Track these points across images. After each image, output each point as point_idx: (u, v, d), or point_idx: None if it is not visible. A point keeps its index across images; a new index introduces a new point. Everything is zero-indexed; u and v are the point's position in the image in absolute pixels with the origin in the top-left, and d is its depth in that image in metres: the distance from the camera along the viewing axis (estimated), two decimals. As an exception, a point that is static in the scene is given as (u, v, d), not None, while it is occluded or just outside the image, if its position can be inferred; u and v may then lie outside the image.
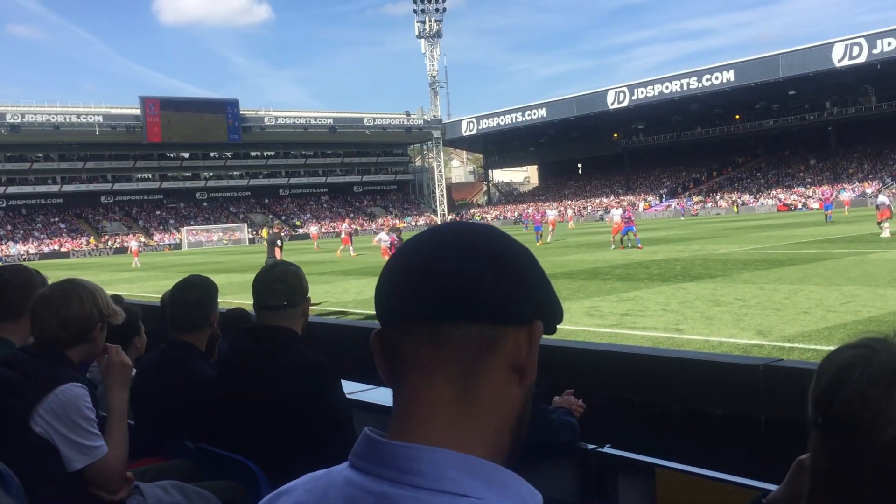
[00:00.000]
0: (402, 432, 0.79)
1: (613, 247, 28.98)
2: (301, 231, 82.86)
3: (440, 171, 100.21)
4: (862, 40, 63.14)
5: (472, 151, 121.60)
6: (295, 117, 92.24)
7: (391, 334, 0.82)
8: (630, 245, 28.34)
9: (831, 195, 48.04)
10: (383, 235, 29.93)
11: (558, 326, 0.88)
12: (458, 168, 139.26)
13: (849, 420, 1.06)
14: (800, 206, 66.56)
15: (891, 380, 1.06)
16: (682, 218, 66.20)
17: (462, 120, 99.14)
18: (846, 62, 64.00)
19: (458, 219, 70.96)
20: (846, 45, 63.97)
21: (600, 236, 40.03)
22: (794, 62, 67.18)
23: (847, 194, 57.44)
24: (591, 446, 2.92)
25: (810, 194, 68.94)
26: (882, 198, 30.76)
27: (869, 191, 66.95)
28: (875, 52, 62.26)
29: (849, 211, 48.81)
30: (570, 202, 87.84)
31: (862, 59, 63.04)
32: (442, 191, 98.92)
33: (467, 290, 0.79)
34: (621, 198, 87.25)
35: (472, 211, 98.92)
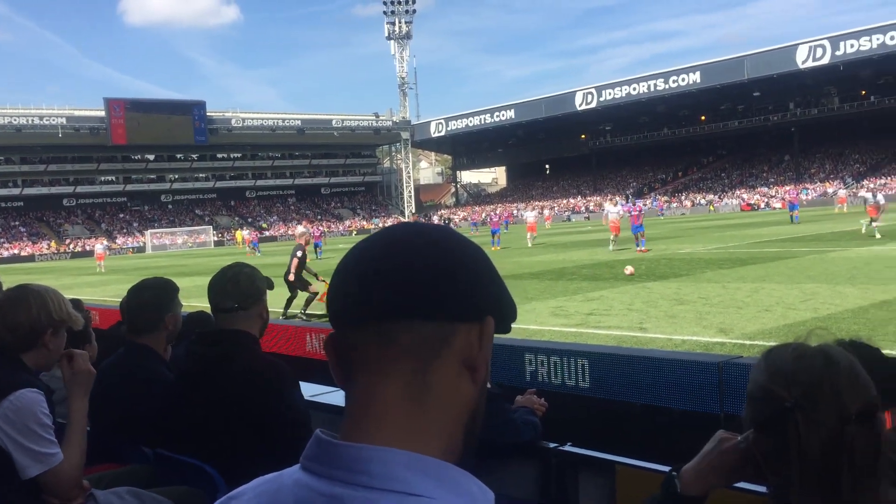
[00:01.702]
0: (353, 433, 0.79)
1: (612, 248, 26.01)
2: (268, 233, 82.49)
3: (408, 172, 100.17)
4: (825, 42, 64.17)
5: (440, 153, 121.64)
6: (262, 119, 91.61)
7: (343, 335, 0.83)
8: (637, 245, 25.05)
9: (796, 195, 48.34)
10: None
11: (515, 325, 0.89)
12: (426, 169, 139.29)
13: (833, 396, 1.21)
14: (763, 205, 67.53)
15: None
16: (661, 216, 66.62)
17: (431, 121, 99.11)
18: (810, 64, 65.01)
19: (422, 220, 70.88)
20: (810, 47, 64.98)
21: (569, 237, 40.29)
22: (758, 64, 68.16)
23: (843, 192, 57.69)
24: (552, 445, 2.94)
25: (773, 194, 69.99)
26: (867, 194, 28.79)
27: (830, 190, 68.10)
28: (838, 53, 63.30)
29: (846, 208, 47.56)
30: (537, 203, 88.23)
31: (825, 60, 64.06)
32: (410, 192, 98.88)
33: (416, 288, 0.79)
34: (588, 199, 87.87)
35: (441, 212, 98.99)
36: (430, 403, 0.80)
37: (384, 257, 0.81)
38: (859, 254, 19.35)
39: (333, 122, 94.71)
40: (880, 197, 27.57)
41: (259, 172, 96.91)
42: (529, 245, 33.91)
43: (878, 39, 61.25)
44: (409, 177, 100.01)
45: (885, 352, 2.31)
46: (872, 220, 25.12)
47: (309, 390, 3.58)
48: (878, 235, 23.98)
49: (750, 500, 1.43)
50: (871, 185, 58.28)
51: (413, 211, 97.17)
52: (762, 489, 1.32)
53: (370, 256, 0.82)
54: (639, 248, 24.86)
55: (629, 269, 17.70)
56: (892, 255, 18.25)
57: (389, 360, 0.80)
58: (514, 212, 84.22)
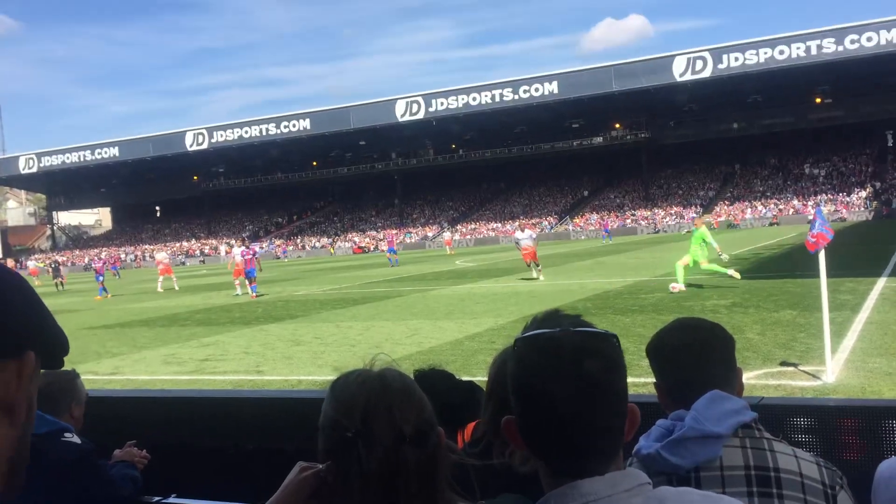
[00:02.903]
0: None
1: (238, 292, 25.30)
2: None
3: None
4: (420, 99, 70.94)
5: (32, 191, 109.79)
6: None
7: None
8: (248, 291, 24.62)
9: (394, 239, 52.16)
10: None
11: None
12: (15, 209, 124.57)
13: (388, 419, 1.27)
14: (373, 248, 71.83)
15: None
16: (283, 259, 66.92)
17: (19, 156, 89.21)
18: (408, 118, 71.24)
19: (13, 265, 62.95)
20: (407, 103, 71.27)
21: (184, 281, 38.82)
22: (363, 115, 72.94)
23: (448, 234, 63.09)
24: (155, 499, 2.74)
25: (381, 237, 74.89)
26: (519, 234, 24.62)
27: (430, 234, 74.87)
28: (431, 110, 70.47)
29: (451, 250, 52.76)
30: (147, 247, 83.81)
31: (420, 115, 70.78)
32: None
33: None
34: (203, 242, 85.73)
35: (36, 257, 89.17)
36: None
37: None
38: (455, 291, 21.42)
39: None
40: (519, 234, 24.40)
41: None
42: (159, 290, 31.30)
43: (462, 100, 69.43)
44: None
45: (468, 378, 2.53)
46: (534, 263, 23.21)
47: None
48: (541, 278, 22.69)
49: None
50: (519, 223, 64.60)
51: (0, 255, 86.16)
52: None
53: None
54: (252, 294, 24.38)
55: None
56: (481, 292, 20.48)
57: None
58: (123, 255, 79.11)
